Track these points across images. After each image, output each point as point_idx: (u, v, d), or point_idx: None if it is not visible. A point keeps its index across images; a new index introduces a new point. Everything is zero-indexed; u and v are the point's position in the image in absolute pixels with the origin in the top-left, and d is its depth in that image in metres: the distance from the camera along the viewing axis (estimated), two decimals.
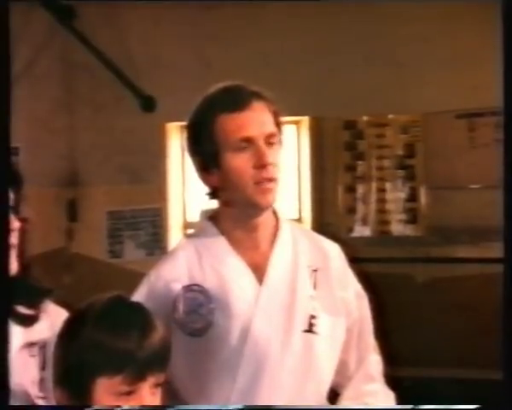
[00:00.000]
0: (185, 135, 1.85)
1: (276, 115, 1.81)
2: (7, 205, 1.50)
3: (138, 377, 1.41)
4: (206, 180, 1.82)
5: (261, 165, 1.74)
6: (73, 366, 1.43)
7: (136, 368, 1.40)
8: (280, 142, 1.82)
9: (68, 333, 1.48)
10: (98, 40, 5.52)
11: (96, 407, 1.43)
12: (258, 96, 1.79)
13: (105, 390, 1.41)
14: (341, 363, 1.90)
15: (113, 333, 1.41)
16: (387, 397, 1.97)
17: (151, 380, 1.43)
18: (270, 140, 1.76)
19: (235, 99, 1.76)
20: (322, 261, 1.88)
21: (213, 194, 1.84)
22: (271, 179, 1.75)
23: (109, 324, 1.43)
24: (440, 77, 5.12)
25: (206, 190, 1.85)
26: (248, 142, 1.74)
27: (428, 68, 5.15)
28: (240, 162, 1.75)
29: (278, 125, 1.81)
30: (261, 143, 1.75)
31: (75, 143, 5.78)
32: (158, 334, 1.45)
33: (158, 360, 1.44)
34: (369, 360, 1.97)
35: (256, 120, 1.76)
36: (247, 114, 1.75)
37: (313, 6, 5.17)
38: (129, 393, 1.41)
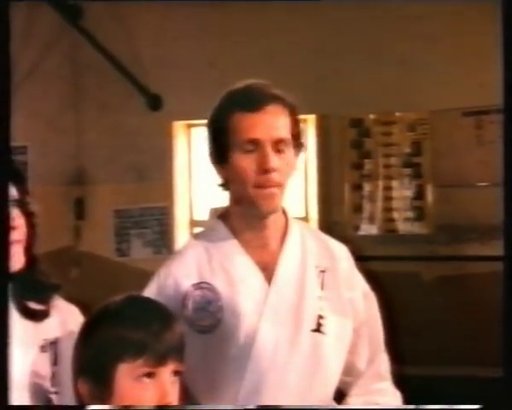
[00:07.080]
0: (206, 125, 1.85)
1: (294, 121, 1.79)
2: (6, 201, 1.51)
3: (159, 359, 1.47)
4: (218, 171, 1.83)
5: (264, 170, 1.73)
6: (96, 354, 1.49)
7: (158, 351, 1.47)
8: (298, 147, 1.80)
9: (90, 328, 1.54)
10: (105, 39, 5.53)
11: (94, 406, 1.48)
12: (277, 99, 1.76)
13: (127, 374, 1.47)
14: (349, 364, 1.91)
15: (135, 323, 1.49)
16: (395, 396, 1.98)
17: (171, 366, 1.49)
18: (278, 146, 1.75)
19: (252, 99, 1.75)
20: (330, 262, 1.88)
21: (225, 185, 1.84)
22: (273, 185, 1.74)
23: (130, 316, 1.51)
24: (447, 74, 5.10)
25: (219, 181, 1.85)
26: (255, 144, 1.74)
27: (435, 66, 5.13)
28: (245, 163, 1.75)
29: (295, 131, 1.79)
30: (268, 147, 1.73)
31: (82, 142, 5.79)
32: (177, 324, 1.54)
33: (177, 347, 1.51)
34: (379, 360, 1.98)
35: (267, 123, 1.74)
36: (259, 116, 1.74)
37: (319, 4, 5.17)
38: (150, 375, 1.46)
